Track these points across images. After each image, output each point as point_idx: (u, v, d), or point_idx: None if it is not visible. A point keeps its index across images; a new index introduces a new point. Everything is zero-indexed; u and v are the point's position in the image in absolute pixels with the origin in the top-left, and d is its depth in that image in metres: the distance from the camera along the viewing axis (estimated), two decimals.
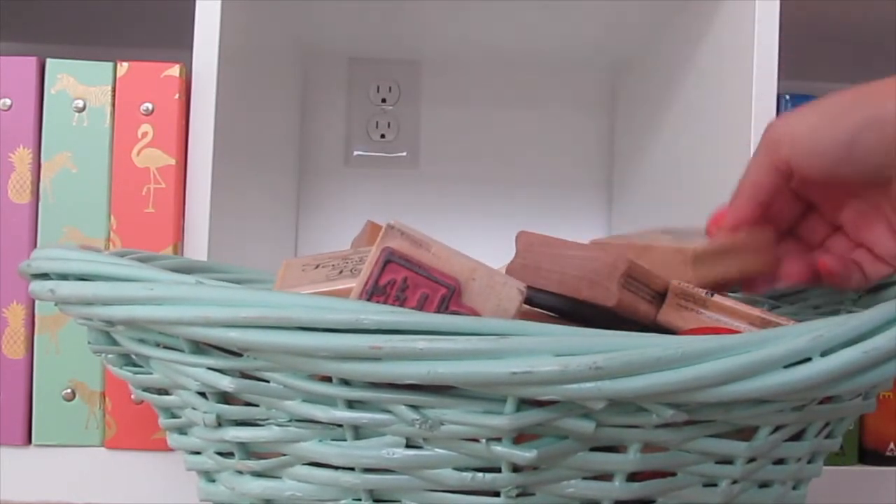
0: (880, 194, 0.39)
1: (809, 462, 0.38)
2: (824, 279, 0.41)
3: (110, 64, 0.54)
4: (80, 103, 0.54)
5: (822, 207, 0.43)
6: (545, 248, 0.43)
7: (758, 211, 0.41)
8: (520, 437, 0.32)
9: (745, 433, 0.34)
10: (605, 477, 0.33)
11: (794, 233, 0.44)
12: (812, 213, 0.44)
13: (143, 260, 0.43)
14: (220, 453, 0.37)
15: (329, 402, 0.33)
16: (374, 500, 0.34)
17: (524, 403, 0.31)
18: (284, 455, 0.35)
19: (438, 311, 0.33)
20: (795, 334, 0.30)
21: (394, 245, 0.33)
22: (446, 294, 0.33)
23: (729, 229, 0.42)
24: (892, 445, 0.60)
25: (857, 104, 0.37)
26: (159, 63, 0.54)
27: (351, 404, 0.32)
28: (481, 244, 0.86)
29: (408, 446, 0.33)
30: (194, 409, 0.36)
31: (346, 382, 0.32)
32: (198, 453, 0.38)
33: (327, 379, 0.32)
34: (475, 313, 0.33)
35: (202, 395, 0.36)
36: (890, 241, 0.40)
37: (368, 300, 0.33)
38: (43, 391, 0.53)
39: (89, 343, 0.40)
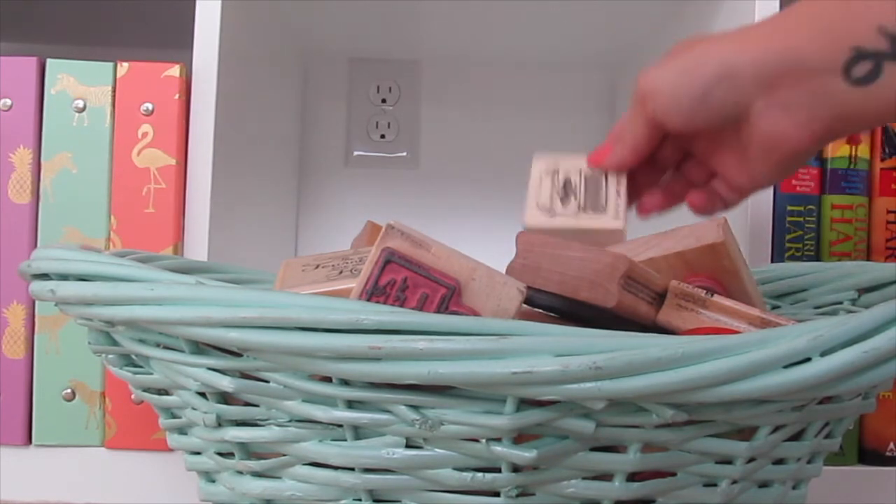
0: (733, 136, 0.43)
1: (809, 462, 0.38)
2: (693, 211, 0.48)
3: (110, 64, 0.54)
4: (81, 103, 0.54)
5: (695, 150, 0.47)
6: (545, 248, 0.43)
7: (635, 159, 0.46)
8: (520, 437, 0.32)
9: (745, 433, 0.34)
10: (605, 477, 0.33)
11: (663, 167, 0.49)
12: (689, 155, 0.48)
13: (143, 260, 0.43)
14: (220, 453, 0.37)
15: (329, 402, 0.33)
16: (374, 500, 0.34)
17: (524, 403, 0.31)
18: (284, 455, 0.35)
19: (438, 311, 0.33)
20: (795, 334, 0.30)
21: (394, 245, 0.33)
22: (446, 294, 0.33)
23: (609, 169, 0.47)
24: (891, 445, 0.60)
25: (709, 57, 0.40)
26: (159, 63, 0.54)
27: (351, 404, 0.32)
28: (481, 244, 0.86)
29: (408, 446, 0.33)
30: (194, 409, 0.36)
31: (345, 382, 0.32)
32: (198, 453, 0.38)
33: (327, 379, 0.32)
34: (475, 313, 0.33)
35: (202, 395, 0.36)
36: (741, 175, 0.44)
37: (368, 300, 0.33)
38: (43, 391, 0.53)
39: (89, 343, 0.40)
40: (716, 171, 0.46)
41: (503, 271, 0.39)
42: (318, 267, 0.42)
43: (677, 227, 0.45)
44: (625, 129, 0.45)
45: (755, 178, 0.44)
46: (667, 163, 0.48)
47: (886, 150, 0.61)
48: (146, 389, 0.39)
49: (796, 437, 0.36)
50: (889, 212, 0.61)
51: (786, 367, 0.29)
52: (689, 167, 0.48)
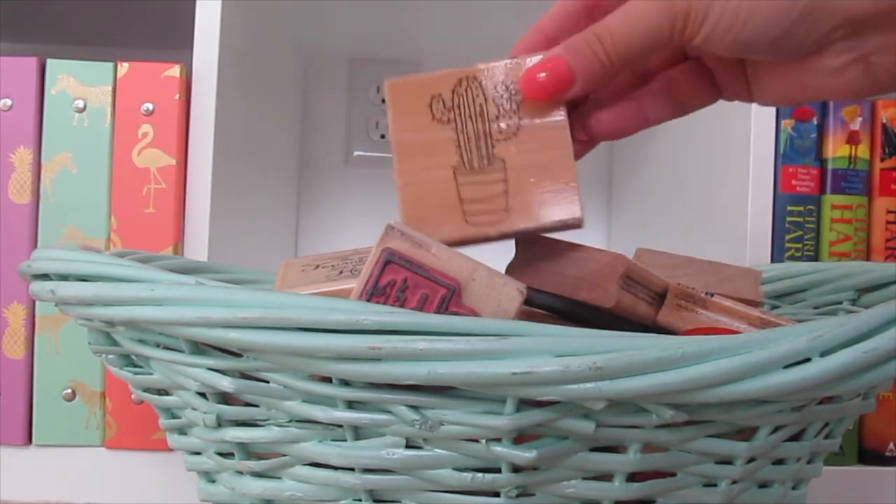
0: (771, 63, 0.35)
1: (809, 462, 0.38)
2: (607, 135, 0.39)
3: (110, 64, 0.54)
4: (81, 103, 0.54)
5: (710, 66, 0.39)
6: (545, 248, 0.43)
7: (609, 79, 0.36)
8: (520, 438, 0.32)
9: (745, 433, 0.34)
10: (605, 477, 0.33)
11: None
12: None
13: (143, 260, 0.43)
14: (220, 454, 0.37)
15: (329, 402, 0.33)
16: (374, 501, 0.34)
17: (524, 404, 0.31)
18: (284, 455, 0.35)
19: (438, 311, 0.33)
20: (795, 334, 0.30)
21: (394, 245, 0.33)
22: (446, 294, 0.33)
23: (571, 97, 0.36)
24: (891, 445, 0.60)
25: None
26: (159, 63, 0.54)
27: (351, 405, 0.32)
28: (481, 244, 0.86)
29: (408, 447, 0.33)
30: (194, 409, 0.36)
31: (345, 383, 0.32)
32: (198, 454, 0.38)
33: (327, 379, 0.32)
34: (475, 314, 0.33)
35: (202, 395, 0.36)
36: (745, 95, 0.38)
37: (368, 301, 0.33)
38: (43, 391, 0.53)
39: (89, 343, 0.40)
40: (720, 86, 0.38)
41: (503, 271, 0.39)
42: (318, 267, 0.42)
43: (717, 264, 0.44)
44: (616, 35, 0.34)
45: (760, 100, 0.37)
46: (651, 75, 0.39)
47: (886, 150, 0.61)
48: (146, 390, 0.39)
49: (796, 437, 0.36)
50: (889, 212, 0.61)
51: (786, 367, 0.29)
52: (680, 81, 0.39)
